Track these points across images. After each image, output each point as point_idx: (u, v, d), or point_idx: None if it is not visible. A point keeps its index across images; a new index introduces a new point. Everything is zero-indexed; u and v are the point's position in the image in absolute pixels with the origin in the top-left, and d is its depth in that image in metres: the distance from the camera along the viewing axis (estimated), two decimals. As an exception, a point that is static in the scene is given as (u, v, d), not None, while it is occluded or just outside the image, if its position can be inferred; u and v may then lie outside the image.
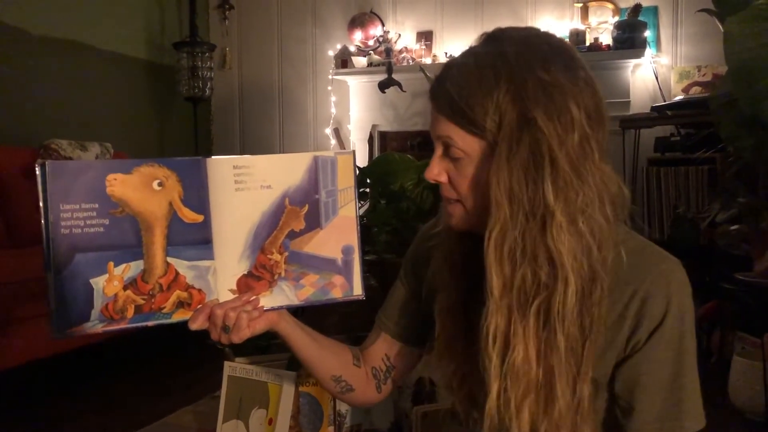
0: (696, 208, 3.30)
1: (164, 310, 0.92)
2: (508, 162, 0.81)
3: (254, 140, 5.07)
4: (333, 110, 4.77)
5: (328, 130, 4.79)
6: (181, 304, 0.92)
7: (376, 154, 4.52)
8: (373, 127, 4.58)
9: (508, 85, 0.81)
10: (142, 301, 0.90)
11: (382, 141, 4.61)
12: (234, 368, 1.40)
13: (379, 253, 2.31)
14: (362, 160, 4.41)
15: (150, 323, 0.91)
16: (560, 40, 0.89)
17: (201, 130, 4.79)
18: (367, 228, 2.41)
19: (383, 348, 1.12)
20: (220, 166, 0.93)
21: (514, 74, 0.81)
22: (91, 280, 0.87)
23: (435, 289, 1.01)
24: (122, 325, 0.90)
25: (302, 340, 1.03)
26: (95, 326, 0.88)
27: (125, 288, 0.89)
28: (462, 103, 0.83)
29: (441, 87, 0.87)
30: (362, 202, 2.70)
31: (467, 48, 0.89)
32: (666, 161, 3.56)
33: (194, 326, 0.92)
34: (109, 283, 0.88)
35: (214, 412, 1.44)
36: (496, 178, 0.82)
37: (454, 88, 0.84)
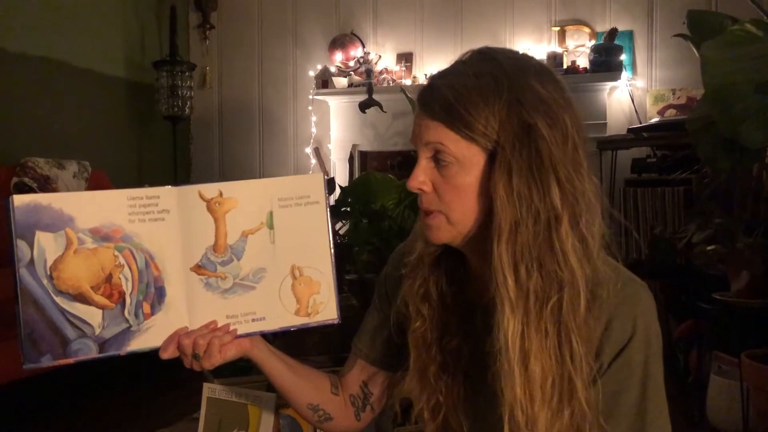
0: (673, 229, 3.33)
1: None
2: (512, 167, 0.82)
3: (234, 159, 5.05)
4: (313, 130, 4.77)
5: (309, 150, 4.80)
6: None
7: (357, 173, 4.53)
8: (354, 146, 4.59)
9: (508, 93, 0.82)
10: None
11: (362, 161, 4.62)
12: (213, 390, 1.38)
13: (360, 272, 2.31)
14: (343, 180, 4.41)
15: (122, 353, 0.90)
16: (544, 63, 0.91)
17: (180, 149, 4.77)
18: (348, 247, 2.41)
19: (360, 375, 1.10)
20: None
21: (513, 84, 0.83)
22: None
23: (406, 317, 0.99)
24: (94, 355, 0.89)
25: (277, 367, 1.01)
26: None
27: None
28: (460, 107, 0.83)
29: (435, 92, 0.86)
30: (343, 222, 2.70)
31: (454, 62, 0.89)
32: (643, 182, 3.60)
33: (165, 356, 0.91)
34: None
35: (192, 434, 1.42)
36: (501, 183, 0.82)
37: (452, 93, 0.84)
